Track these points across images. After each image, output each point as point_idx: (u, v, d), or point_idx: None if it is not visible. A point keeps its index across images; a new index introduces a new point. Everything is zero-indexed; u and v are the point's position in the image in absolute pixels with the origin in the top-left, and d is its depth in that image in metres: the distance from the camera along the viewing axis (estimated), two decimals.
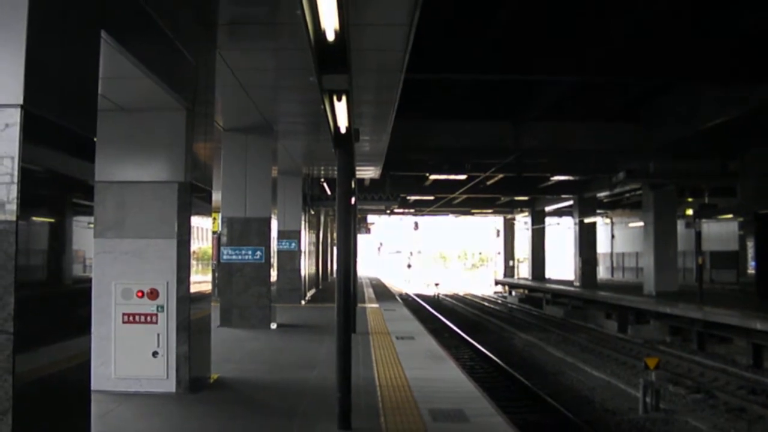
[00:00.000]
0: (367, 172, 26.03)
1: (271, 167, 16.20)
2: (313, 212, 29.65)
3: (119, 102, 8.10)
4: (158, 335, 8.20)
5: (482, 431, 7.30)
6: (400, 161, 26.57)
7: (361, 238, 44.52)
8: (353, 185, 12.12)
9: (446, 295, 50.49)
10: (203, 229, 9.50)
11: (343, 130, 5.98)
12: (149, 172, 8.46)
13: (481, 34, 15.85)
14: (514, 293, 46.81)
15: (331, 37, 4.13)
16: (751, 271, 25.91)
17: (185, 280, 8.36)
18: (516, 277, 55.58)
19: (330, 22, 3.99)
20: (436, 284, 52.44)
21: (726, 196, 29.79)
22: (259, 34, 9.94)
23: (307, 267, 26.33)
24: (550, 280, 44.85)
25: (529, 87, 20.99)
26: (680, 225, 30.44)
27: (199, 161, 8.91)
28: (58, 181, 4.72)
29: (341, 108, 5.49)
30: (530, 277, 48.12)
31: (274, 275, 16.39)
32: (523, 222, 53.85)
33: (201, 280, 9.20)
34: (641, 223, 32.11)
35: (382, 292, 33.76)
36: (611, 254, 53.57)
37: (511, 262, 58.86)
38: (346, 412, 6.77)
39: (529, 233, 48.65)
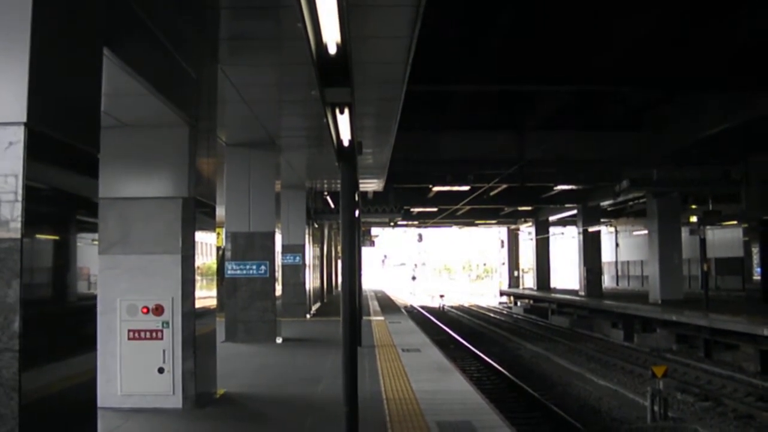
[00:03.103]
0: (371, 185, 26.04)
1: (274, 181, 16.21)
2: (317, 226, 29.64)
3: (122, 118, 8.12)
4: (164, 351, 8.19)
5: None
6: (404, 173, 26.58)
7: (366, 251, 44.46)
8: (357, 198, 12.11)
9: (451, 307, 50.34)
10: (207, 244, 9.50)
11: (345, 143, 5.96)
12: (153, 187, 8.47)
13: (482, 45, 15.88)
14: (519, 303, 46.68)
15: (332, 50, 4.13)
16: (756, 277, 25.79)
17: (190, 296, 8.36)
18: (521, 287, 55.43)
19: (332, 35, 3.98)
20: (441, 296, 52.29)
21: (730, 203, 29.71)
22: (261, 49, 9.97)
23: (311, 280, 26.30)
24: (555, 290, 44.75)
25: (531, 97, 21.02)
26: (684, 232, 30.36)
27: (202, 176, 8.92)
28: (62, 198, 4.73)
29: (344, 121, 5.48)
30: (535, 287, 48.01)
31: (278, 289, 16.37)
32: (527, 232, 53.77)
33: (206, 296, 9.19)
34: (645, 231, 32.05)
35: (387, 305, 33.71)
36: (616, 263, 53.42)
37: (515, 273, 58.72)
38: (353, 425, 6.72)
39: (534, 243, 48.58)
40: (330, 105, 5.09)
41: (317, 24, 3.87)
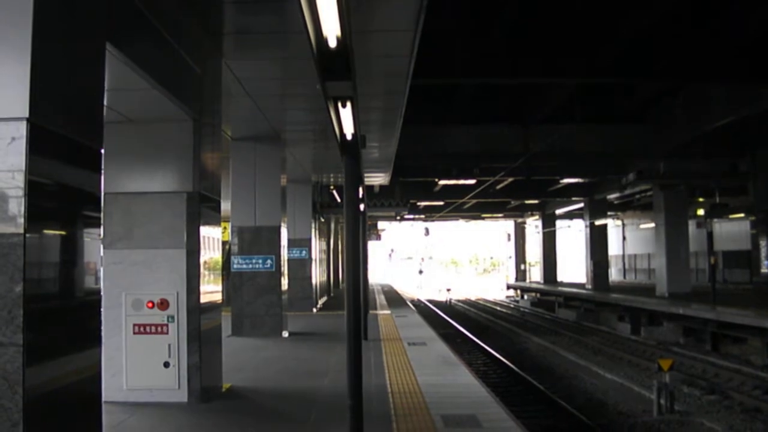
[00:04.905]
0: (377, 179, 26.02)
1: (280, 175, 16.21)
2: (323, 220, 29.63)
3: (126, 113, 8.13)
4: (169, 345, 8.20)
5: None
6: (410, 167, 26.56)
7: (372, 245, 44.49)
8: (362, 192, 12.10)
9: (458, 301, 50.38)
10: (213, 238, 9.51)
11: (349, 137, 5.96)
12: (157, 182, 8.47)
13: (487, 38, 15.84)
14: (526, 297, 46.68)
15: (333, 43, 4.12)
16: (764, 270, 25.75)
17: (195, 290, 8.36)
18: (528, 280, 55.41)
19: (332, 29, 3.98)
20: (448, 290, 52.34)
21: (737, 195, 29.62)
22: (265, 43, 9.94)
23: (318, 275, 26.30)
24: (562, 283, 44.70)
25: (537, 90, 20.97)
26: (692, 225, 30.30)
27: (207, 171, 8.92)
28: (65, 193, 4.73)
29: (346, 114, 5.47)
30: (542, 281, 47.97)
31: (285, 283, 16.38)
32: (533, 225, 53.74)
33: (211, 290, 9.21)
34: (652, 225, 31.98)
35: (394, 299, 33.70)
36: (623, 256, 53.38)
37: (522, 266, 58.71)
38: (357, 419, 6.73)
39: (540, 236, 48.53)
40: (332, 99, 5.08)
41: (317, 17, 3.86)
